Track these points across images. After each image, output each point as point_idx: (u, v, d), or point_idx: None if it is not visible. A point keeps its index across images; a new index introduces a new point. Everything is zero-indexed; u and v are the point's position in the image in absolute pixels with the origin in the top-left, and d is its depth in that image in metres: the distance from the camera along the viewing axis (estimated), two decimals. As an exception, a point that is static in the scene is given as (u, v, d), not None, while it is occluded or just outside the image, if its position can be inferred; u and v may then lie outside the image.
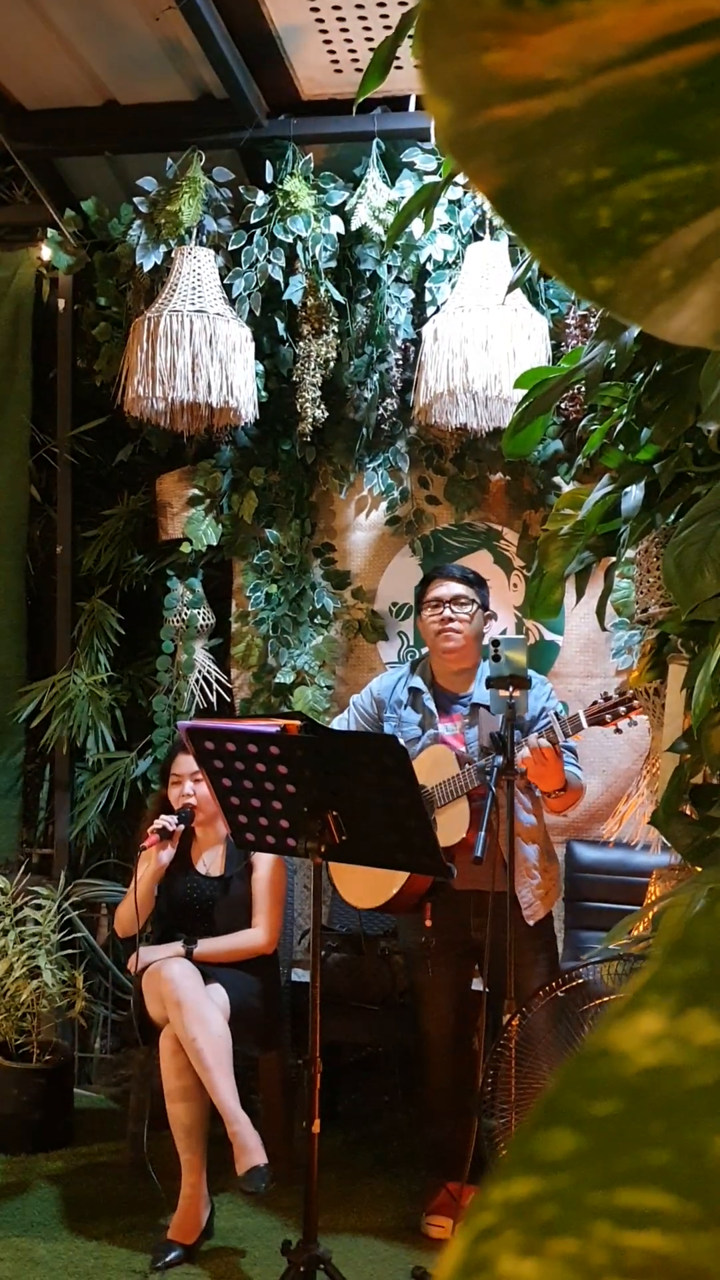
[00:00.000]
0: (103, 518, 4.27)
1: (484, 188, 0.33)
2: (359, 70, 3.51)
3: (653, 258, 0.36)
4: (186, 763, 3.36)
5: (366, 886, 3.09)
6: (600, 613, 2.19)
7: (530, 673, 3.01)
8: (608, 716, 2.88)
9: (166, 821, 3.27)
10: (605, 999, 1.99)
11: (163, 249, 3.83)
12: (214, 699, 4.09)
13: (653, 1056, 0.19)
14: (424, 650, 3.38)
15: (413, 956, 3.26)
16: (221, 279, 3.78)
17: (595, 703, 2.94)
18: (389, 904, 3.07)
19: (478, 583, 3.23)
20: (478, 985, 3.18)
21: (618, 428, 2.10)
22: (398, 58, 2.07)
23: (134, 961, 3.26)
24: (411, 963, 3.30)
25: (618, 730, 2.94)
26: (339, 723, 3.43)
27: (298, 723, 2.54)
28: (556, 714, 3.00)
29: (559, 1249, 0.19)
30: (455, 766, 3.05)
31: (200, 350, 3.60)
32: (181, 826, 3.30)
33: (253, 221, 3.83)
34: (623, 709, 2.86)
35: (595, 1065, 0.19)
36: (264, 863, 3.37)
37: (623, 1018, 0.19)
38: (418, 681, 3.25)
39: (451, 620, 3.14)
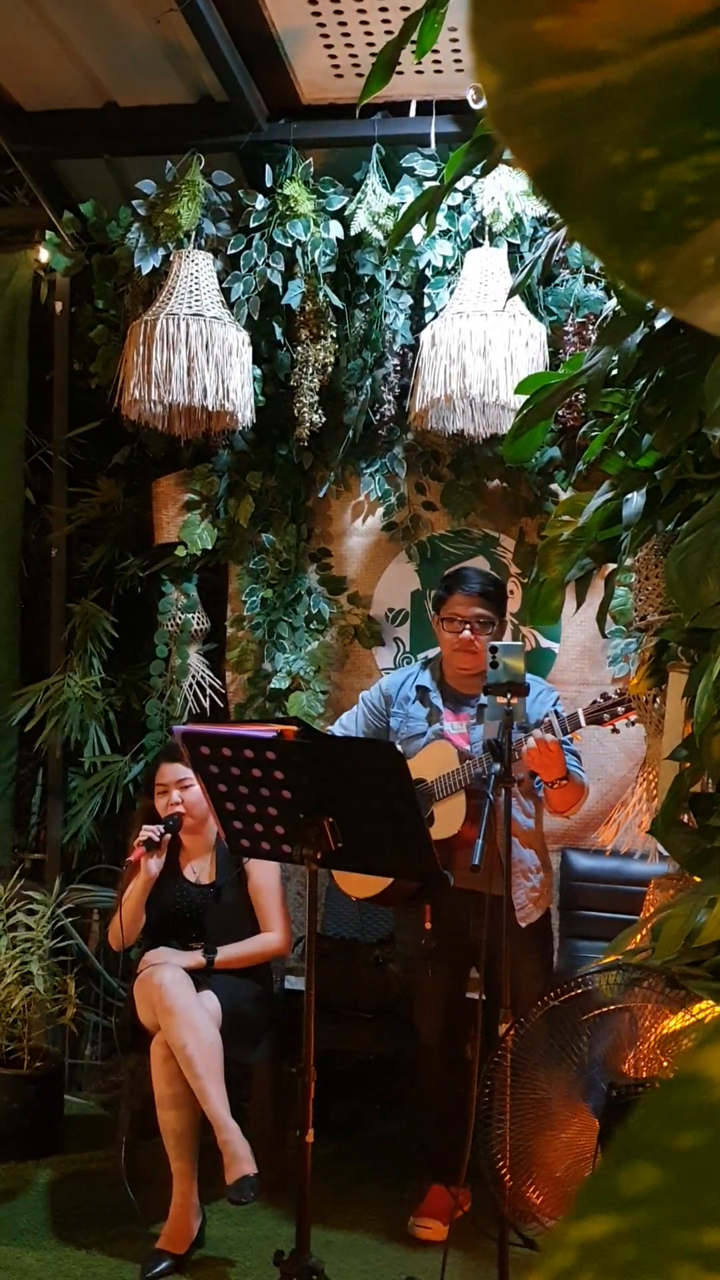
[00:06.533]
0: (83, 495, 4.22)
1: (527, 164, 0.31)
2: (360, 75, 3.50)
3: (696, 243, 0.34)
4: (171, 772, 3.33)
5: (362, 875, 3.08)
6: (601, 620, 2.18)
7: (534, 678, 3.02)
8: (605, 716, 2.88)
9: (152, 832, 3.23)
10: (603, 1010, 1.97)
11: (161, 252, 3.81)
12: (208, 704, 4.06)
13: (741, 1083, 0.18)
14: (437, 650, 3.35)
15: (411, 959, 3.24)
16: (220, 283, 3.77)
17: (594, 702, 2.94)
18: (384, 894, 3.07)
19: (498, 596, 3.21)
20: (472, 996, 3.16)
21: (619, 434, 2.09)
22: (399, 62, 2.06)
23: (141, 967, 3.22)
24: (409, 965, 3.28)
25: (615, 730, 2.94)
26: (348, 717, 3.42)
27: (293, 728, 2.52)
28: (556, 712, 3.01)
29: (637, 1292, 0.17)
30: (456, 762, 3.07)
31: (197, 354, 3.59)
32: (168, 835, 3.27)
33: (251, 225, 3.81)
34: (620, 709, 2.86)
35: (680, 1093, 0.17)
36: (260, 869, 3.34)
37: (713, 1041, 0.18)
38: (426, 679, 3.25)
39: (472, 642, 3.13)
